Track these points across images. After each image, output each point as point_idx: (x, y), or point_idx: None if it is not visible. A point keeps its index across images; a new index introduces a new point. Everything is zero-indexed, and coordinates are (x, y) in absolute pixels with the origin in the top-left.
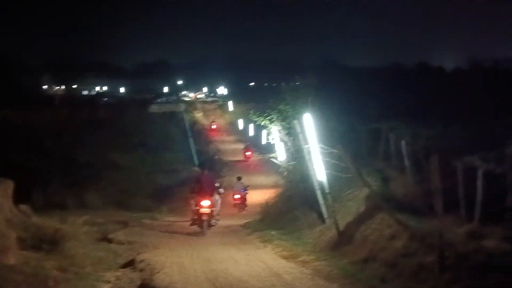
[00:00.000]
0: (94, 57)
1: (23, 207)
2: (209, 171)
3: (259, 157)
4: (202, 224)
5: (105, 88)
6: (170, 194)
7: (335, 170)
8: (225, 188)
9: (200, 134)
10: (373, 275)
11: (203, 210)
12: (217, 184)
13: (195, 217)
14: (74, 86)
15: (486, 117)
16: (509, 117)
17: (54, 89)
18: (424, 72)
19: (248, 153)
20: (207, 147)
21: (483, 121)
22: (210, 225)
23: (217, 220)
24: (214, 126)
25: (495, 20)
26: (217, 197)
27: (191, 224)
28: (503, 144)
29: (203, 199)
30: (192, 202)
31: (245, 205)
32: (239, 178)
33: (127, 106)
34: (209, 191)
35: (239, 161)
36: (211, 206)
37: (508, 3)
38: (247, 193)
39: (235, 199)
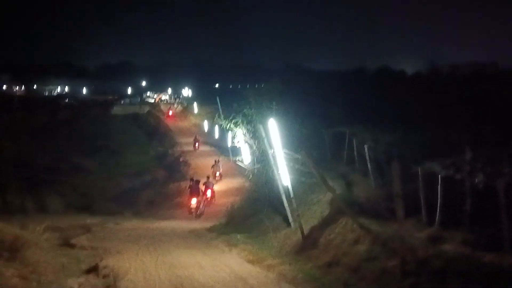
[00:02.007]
0: (55, 57)
1: None
2: (196, 181)
3: (224, 160)
4: (192, 212)
5: (66, 89)
6: (134, 197)
7: (300, 175)
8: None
9: (164, 136)
10: (337, 279)
11: (192, 205)
12: (211, 185)
13: (189, 208)
14: (34, 87)
15: (443, 122)
16: (464, 122)
17: (14, 90)
18: (387, 76)
19: (197, 144)
20: (172, 149)
21: (441, 126)
22: (198, 215)
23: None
24: (170, 113)
25: (457, 26)
26: (208, 192)
27: (189, 213)
28: (460, 149)
29: (192, 198)
30: (187, 199)
31: (220, 177)
32: (217, 161)
33: (89, 107)
34: (196, 193)
35: (189, 151)
36: (197, 202)
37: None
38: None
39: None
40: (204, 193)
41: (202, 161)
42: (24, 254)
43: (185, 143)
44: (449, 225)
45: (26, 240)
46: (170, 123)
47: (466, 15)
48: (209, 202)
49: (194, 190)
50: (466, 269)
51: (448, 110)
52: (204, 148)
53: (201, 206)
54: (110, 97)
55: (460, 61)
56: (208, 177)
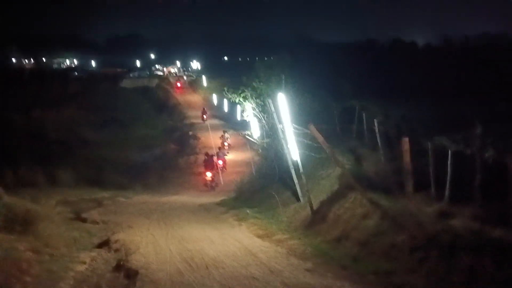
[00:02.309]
0: (63, 30)
1: None
2: (211, 156)
3: (234, 133)
4: (207, 185)
5: (75, 62)
6: (144, 171)
7: (309, 150)
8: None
9: (174, 109)
10: (346, 254)
11: (207, 178)
12: (222, 155)
13: (205, 181)
14: (43, 60)
15: (455, 96)
16: (474, 96)
17: (23, 63)
18: (398, 48)
19: (204, 116)
20: (181, 123)
21: (452, 101)
22: (213, 186)
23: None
24: (179, 84)
25: None
26: (220, 162)
27: (204, 186)
28: (470, 124)
29: (207, 171)
30: (203, 173)
31: (229, 146)
32: (225, 132)
33: (99, 80)
34: (211, 167)
35: (198, 123)
36: (212, 175)
37: None
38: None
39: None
40: (216, 163)
41: (212, 134)
42: (36, 227)
43: (194, 117)
44: (458, 200)
45: (38, 213)
46: (179, 96)
47: None
48: (221, 171)
49: (209, 164)
50: (475, 244)
51: (460, 84)
52: (213, 121)
53: (215, 178)
54: (119, 70)
55: (470, 32)
56: (219, 148)
